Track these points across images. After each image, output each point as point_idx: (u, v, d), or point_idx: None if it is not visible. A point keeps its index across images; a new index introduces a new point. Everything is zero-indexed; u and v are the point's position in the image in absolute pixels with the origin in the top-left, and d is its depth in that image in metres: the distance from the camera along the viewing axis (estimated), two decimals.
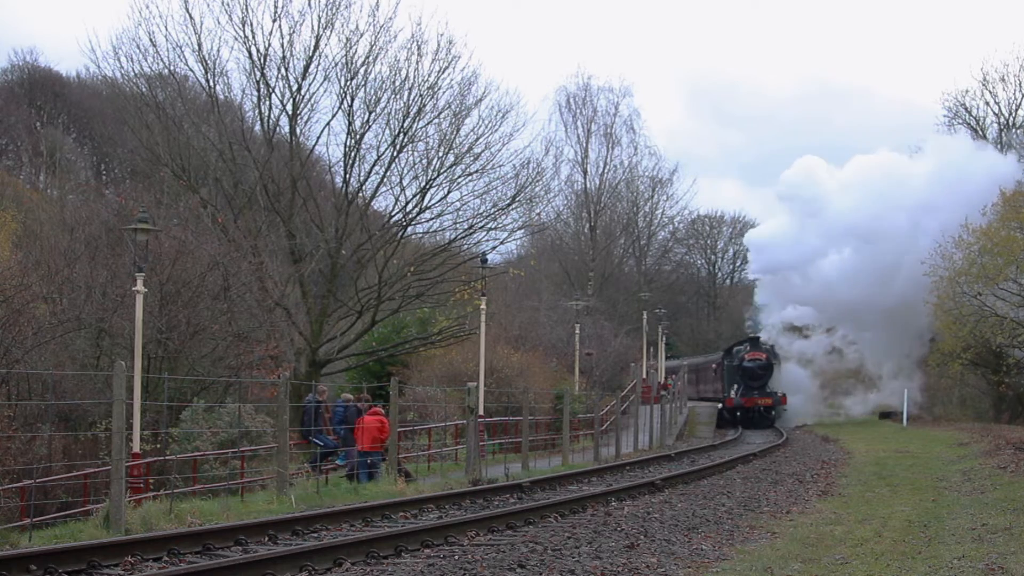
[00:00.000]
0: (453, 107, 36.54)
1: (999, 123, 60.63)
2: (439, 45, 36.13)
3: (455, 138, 36.52)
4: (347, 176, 36.95)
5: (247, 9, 34.85)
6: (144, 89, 36.96)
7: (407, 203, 36.95)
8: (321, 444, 21.78)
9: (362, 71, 35.74)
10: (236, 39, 35.14)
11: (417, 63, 35.75)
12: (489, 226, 37.88)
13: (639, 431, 34.49)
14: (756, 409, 54.12)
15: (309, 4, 35.20)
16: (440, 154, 36.42)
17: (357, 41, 35.56)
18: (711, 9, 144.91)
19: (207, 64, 35.47)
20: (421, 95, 35.84)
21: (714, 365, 61.99)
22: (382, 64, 36.04)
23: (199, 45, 35.16)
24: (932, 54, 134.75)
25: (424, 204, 36.91)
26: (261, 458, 25.15)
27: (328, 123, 36.99)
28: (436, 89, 36.05)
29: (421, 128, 36.33)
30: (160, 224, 30.25)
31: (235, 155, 36.16)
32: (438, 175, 36.42)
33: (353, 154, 36.52)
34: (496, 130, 36.99)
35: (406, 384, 31.81)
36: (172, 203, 37.54)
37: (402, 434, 24.91)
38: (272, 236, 37.20)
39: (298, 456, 23.12)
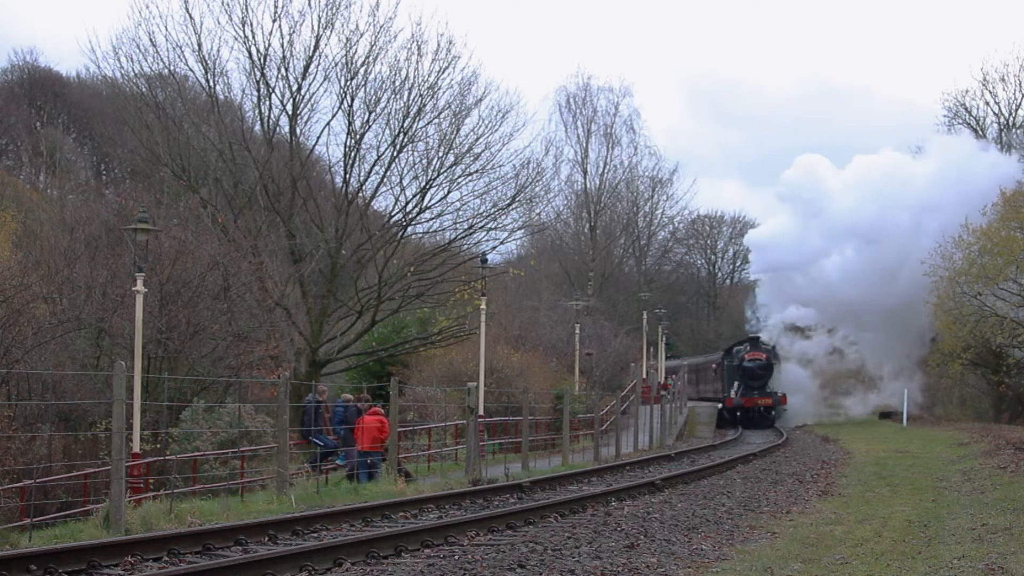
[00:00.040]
0: (453, 107, 36.61)
1: (999, 123, 60.73)
2: (439, 45, 36.22)
3: (455, 138, 36.58)
4: (347, 176, 37.00)
5: (247, 9, 34.92)
6: (144, 89, 36.97)
7: (407, 203, 37.03)
8: (321, 444, 21.78)
9: (362, 71, 35.80)
10: (236, 39, 35.22)
11: (417, 63, 35.83)
12: (489, 226, 37.94)
13: (639, 431, 34.48)
14: (756, 409, 54.11)
15: (309, 4, 35.27)
16: (440, 154, 36.48)
17: (357, 41, 35.63)
18: (711, 9, 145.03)
19: (207, 64, 35.52)
20: (421, 95, 35.88)
21: (714, 365, 61.99)
22: (382, 64, 36.12)
23: (199, 45, 35.23)
24: (932, 54, 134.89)
25: (424, 204, 36.96)
26: (261, 458, 25.14)
27: (328, 123, 37.07)
28: (436, 89, 36.11)
29: (421, 128, 36.40)
30: (160, 224, 30.25)
31: (235, 155, 36.16)
32: (438, 175, 36.46)
33: (353, 154, 36.55)
34: (496, 130, 37.06)
35: (406, 384, 31.81)
36: (172, 203, 37.54)
37: (402, 434, 24.92)
38: (272, 236, 37.20)
39: (298, 456, 23.11)
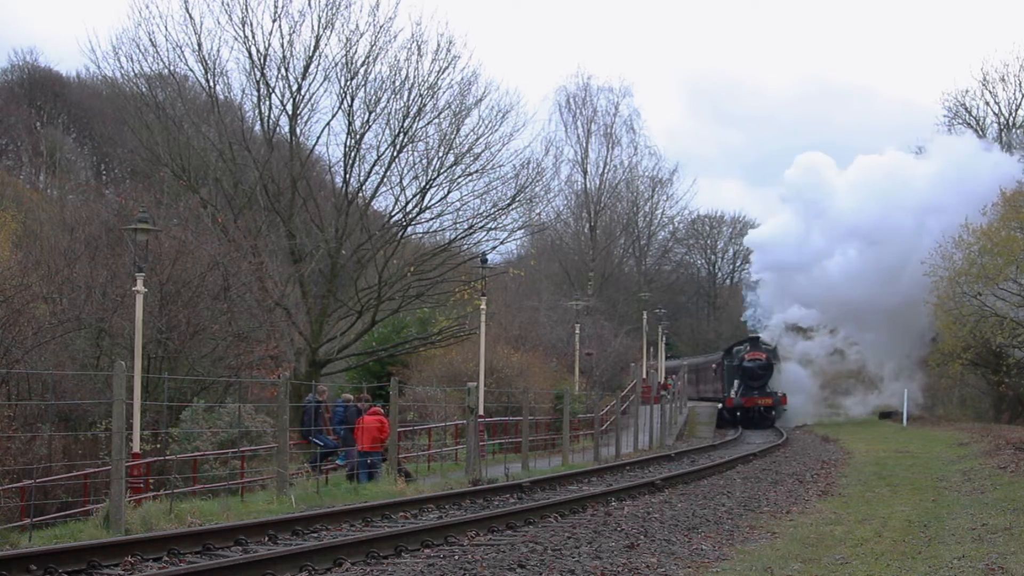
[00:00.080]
0: (453, 107, 36.60)
1: (999, 123, 60.71)
2: (439, 45, 36.21)
3: (455, 138, 36.57)
4: (347, 176, 37.00)
5: (247, 9, 34.91)
6: (144, 89, 36.98)
7: (407, 203, 37.02)
8: (321, 444, 21.78)
9: (362, 71, 35.80)
10: (236, 39, 35.21)
11: (417, 63, 35.82)
12: (489, 226, 37.93)
13: (639, 431, 34.48)
14: (756, 409, 54.10)
15: (309, 4, 35.27)
16: (440, 154, 36.48)
17: (357, 41, 35.63)
18: (711, 9, 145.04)
19: (207, 64, 35.52)
20: (421, 95, 35.88)
21: (714, 365, 61.99)
22: (382, 64, 36.11)
23: (199, 45, 35.22)
24: (932, 54, 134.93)
25: (424, 204, 36.96)
26: (261, 458, 25.14)
27: (328, 123, 37.06)
28: (436, 89, 36.11)
29: (421, 128, 36.39)
30: (160, 224, 30.25)
31: (235, 155, 36.16)
32: (438, 175, 36.46)
33: (353, 154, 36.55)
34: (496, 130, 37.05)
35: (406, 384, 31.81)
36: (172, 203, 37.53)
37: (402, 434, 24.92)
38: (272, 236, 37.20)
39: (298, 456, 23.11)
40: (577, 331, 45.29)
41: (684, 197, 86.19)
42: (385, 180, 36.83)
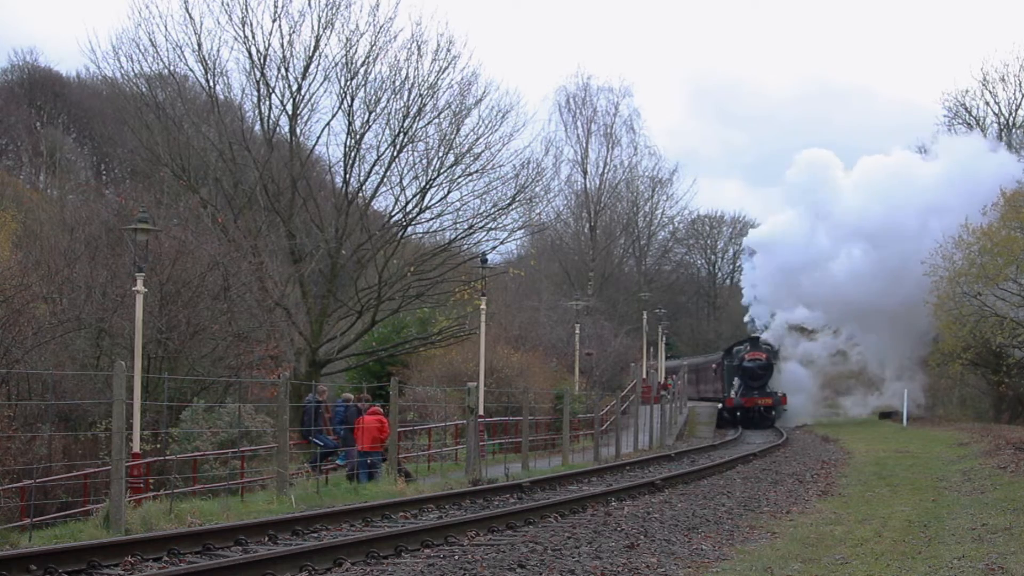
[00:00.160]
0: (453, 107, 36.60)
1: (999, 123, 60.70)
2: (439, 45, 36.20)
3: (455, 138, 36.56)
4: (347, 176, 36.99)
5: (247, 9, 34.90)
6: (144, 89, 36.97)
7: (407, 203, 37.01)
8: (321, 444, 21.78)
9: (362, 71, 35.79)
10: (236, 39, 35.20)
11: (417, 63, 35.81)
12: (489, 226, 37.92)
13: (639, 431, 34.48)
14: (756, 409, 54.09)
15: (309, 4, 35.26)
16: (440, 154, 36.47)
17: (357, 41, 35.62)
18: (711, 9, 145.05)
19: (207, 64, 35.51)
20: (421, 95, 35.87)
21: (714, 365, 61.98)
22: (382, 64, 36.10)
23: (199, 45, 35.21)
24: (932, 54, 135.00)
25: (424, 204, 36.95)
26: (261, 458, 25.14)
27: (328, 123, 37.04)
28: (436, 89, 36.10)
29: (421, 128, 36.38)
30: (160, 224, 30.25)
31: (235, 155, 36.15)
32: (438, 175, 36.45)
33: (353, 154, 36.54)
34: (496, 130, 37.04)
35: (406, 384, 31.80)
36: (172, 203, 37.53)
37: (402, 434, 24.91)
38: (272, 236, 37.20)
39: (298, 456, 23.11)
40: (577, 331, 45.29)
41: (684, 197, 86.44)
42: (385, 180, 36.87)
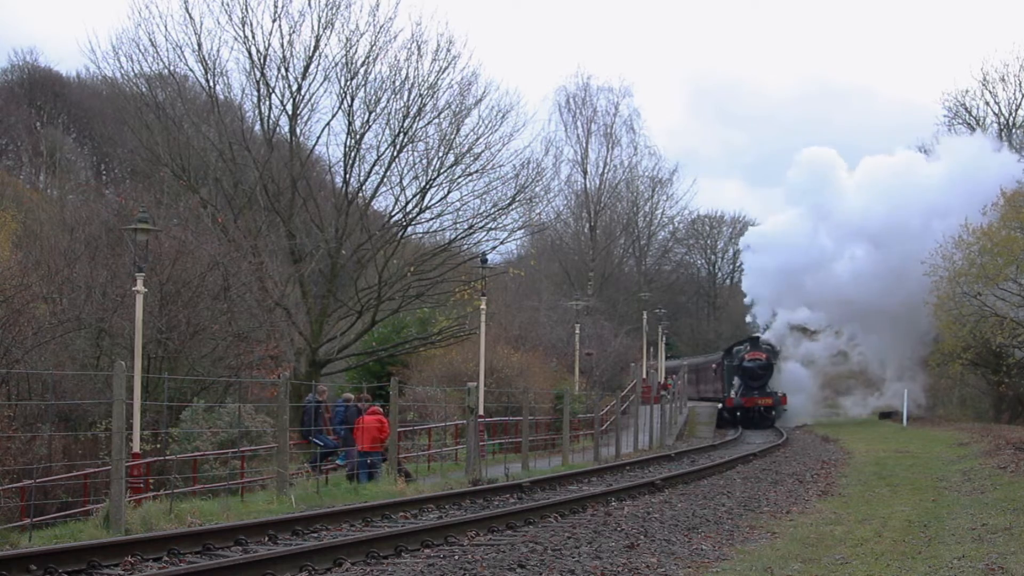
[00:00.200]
0: (453, 107, 36.60)
1: (999, 123, 60.70)
2: (439, 45, 36.21)
3: (455, 138, 36.56)
4: (347, 176, 36.99)
5: (247, 9, 34.91)
6: (144, 89, 36.97)
7: (407, 203, 37.01)
8: (321, 444, 21.78)
9: (362, 71, 35.79)
10: (236, 39, 35.21)
11: (417, 63, 35.81)
12: (489, 226, 37.92)
13: (639, 431, 34.48)
14: (756, 409, 54.09)
15: (309, 4, 35.26)
16: (440, 154, 36.47)
17: (357, 41, 35.62)
18: (712, 9, 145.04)
19: (207, 64, 35.51)
20: (421, 95, 35.87)
21: (714, 365, 61.97)
22: (382, 64, 36.11)
23: (199, 45, 35.21)
24: (932, 54, 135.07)
25: (424, 204, 36.95)
26: (261, 458, 25.14)
27: (328, 123, 37.05)
28: (436, 89, 36.10)
29: (421, 128, 36.38)
30: (160, 224, 30.25)
31: (235, 155, 36.15)
32: (438, 175, 36.44)
33: (353, 154, 36.54)
34: (496, 130, 37.04)
35: (406, 384, 31.80)
36: (172, 203, 37.53)
37: (402, 434, 24.91)
38: (272, 236, 37.19)
39: (298, 456, 23.11)
40: (577, 331, 45.29)
41: (684, 197, 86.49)
42: (385, 180, 36.87)
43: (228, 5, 34.78)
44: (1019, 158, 50.55)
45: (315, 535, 13.47)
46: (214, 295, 31.59)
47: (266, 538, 12.97)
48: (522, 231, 43.97)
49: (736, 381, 56.09)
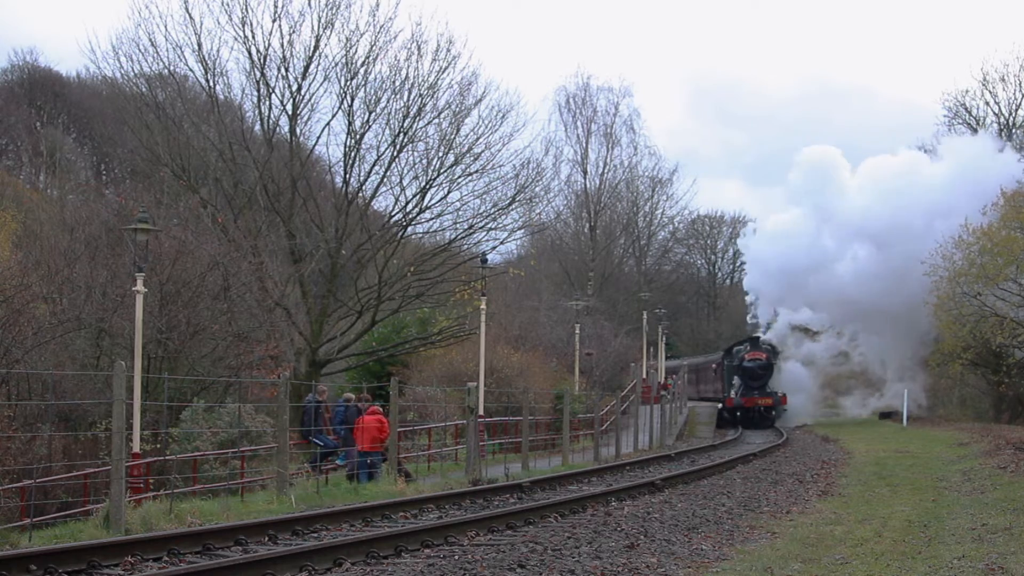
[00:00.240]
0: (453, 107, 36.60)
1: (999, 123, 60.69)
2: (439, 45, 36.21)
3: (455, 138, 36.56)
4: (347, 176, 36.99)
5: (247, 9, 34.91)
6: (144, 89, 36.98)
7: (407, 203, 37.01)
8: (321, 444, 21.78)
9: (362, 71, 35.80)
10: (236, 39, 35.21)
11: (417, 63, 35.82)
12: (489, 226, 37.92)
13: (639, 431, 34.48)
14: (756, 409, 54.08)
15: (309, 4, 35.26)
16: (440, 154, 36.47)
17: (357, 41, 35.63)
18: (712, 9, 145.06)
19: (207, 64, 35.51)
20: (421, 95, 35.88)
21: (714, 365, 61.97)
22: (382, 64, 36.12)
23: (199, 45, 35.22)
24: (932, 54, 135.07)
25: (424, 204, 36.95)
26: (261, 458, 25.14)
27: (328, 123, 37.05)
28: (436, 89, 36.10)
29: (421, 128, 36.38)
30: (160, 224, 30.25)
31: (235, 155, 36.16)
32: (438, 175, 36.45)
33: (353, 154, 36.54)
34: (496, 130, 37.04)
35: (406, 384, 31.80)
36: (172, 203, 37.53)
37: (402, 434, 24.91)
38: (272, 236, 37.20)
39: (298, 456, 23.11)
40: (577, 331, 45.29)
41: (684, 197, 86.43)
42: (385, 180, 36.87)
43: (228, 5, 34.84)
44: (1020, 157, 50.51)
45: (315, 535, 13.47)
46: (214, 295, 31.59)
47: (266, 538, 12.97)
48: (522, 231, 44.03)
49: (736, 381, 56.09)
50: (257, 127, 38.06)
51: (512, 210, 38.15)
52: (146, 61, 35.91)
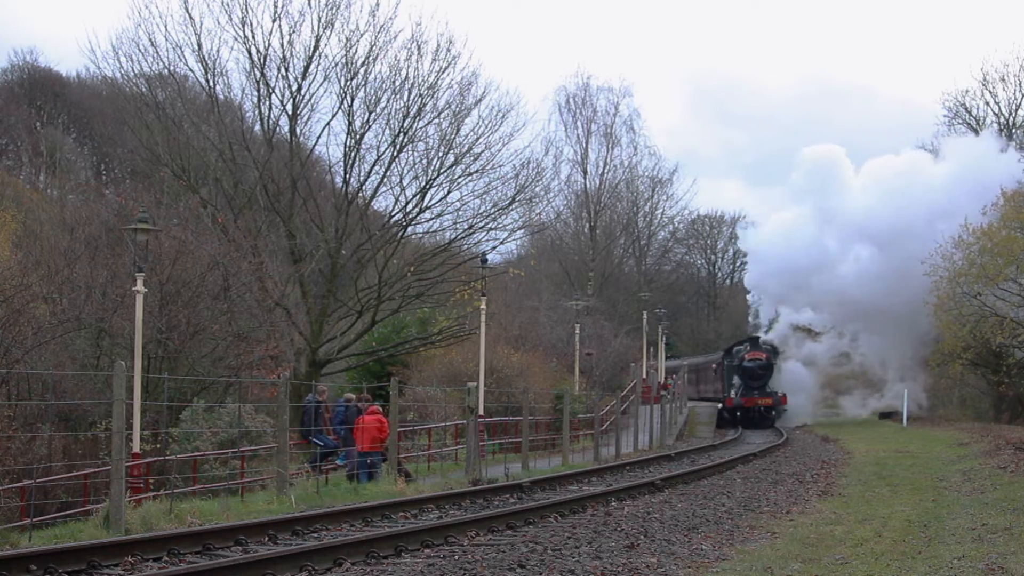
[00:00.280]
0: (453, 107, 36.60)
1: (999, 123, 60.68)
2: (439, 45, 36.21)
3: (455, 138, 36.57)
4: (347, 176, 36.99)
5: (247, 9, 34.91)
6: (144, 89, 36.98)
7: (407, 203, 37.02)
8: (321, 444, 21.78)
9: (362, 71, 35.80)
10: (236, 39, 35.22)
11: (417, 63, 35.82)
12: (489, 226, 37.93)
13: (639, 431, 34.48)
14: (756, 409, 54.09)
15: (309, 4, 35.27)
16: (440, 154, 36.47)
17: (357, 41, 35.63)
18: (712, 9, 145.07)
19: (207, 64, 35.52)
20: (421, 95, 35.88)
21: (714, 365, 61.98)
22: (382, 64, 36.12)
23: (199, 45, 35.23)
24: (932, 54, 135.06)
25: (424, 204, 36.95)
26: (261, 458, 25.14)
27: (328, 123, 37.05)
28: (436, 89, 36.11)
29: (421, 128, 36.39)
30: (160, 224, 30.25)
31: (235, 155, 36.16)
32: (438, 175, 36.45)
33: (353, 154, 36.54)
34: (496, 130, 37.04)
35: (406, 384, 31.80)
36: (172, 203, 37.54)
37: (402, 434, 24.91)
38: (272, 236, 37.20)
39: (298, 456, 23.11)
40: (577, 331, 45.28)
41: (684, 197, 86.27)
42: (385, 180, 36.87)
43: (228, 5, 34.84)
44: (1020, 157, 50.49)
45: (315, 535, 13.47)
46: (214, 295, 31.59)
47: (266, 538, 12.97)
48: (522, 231, 44.04)
49: (736, 381, 56.10)
50: (257, 127, 38.10)
51: (512, 210, 38.21)
52: (146, 61, 35.98)
